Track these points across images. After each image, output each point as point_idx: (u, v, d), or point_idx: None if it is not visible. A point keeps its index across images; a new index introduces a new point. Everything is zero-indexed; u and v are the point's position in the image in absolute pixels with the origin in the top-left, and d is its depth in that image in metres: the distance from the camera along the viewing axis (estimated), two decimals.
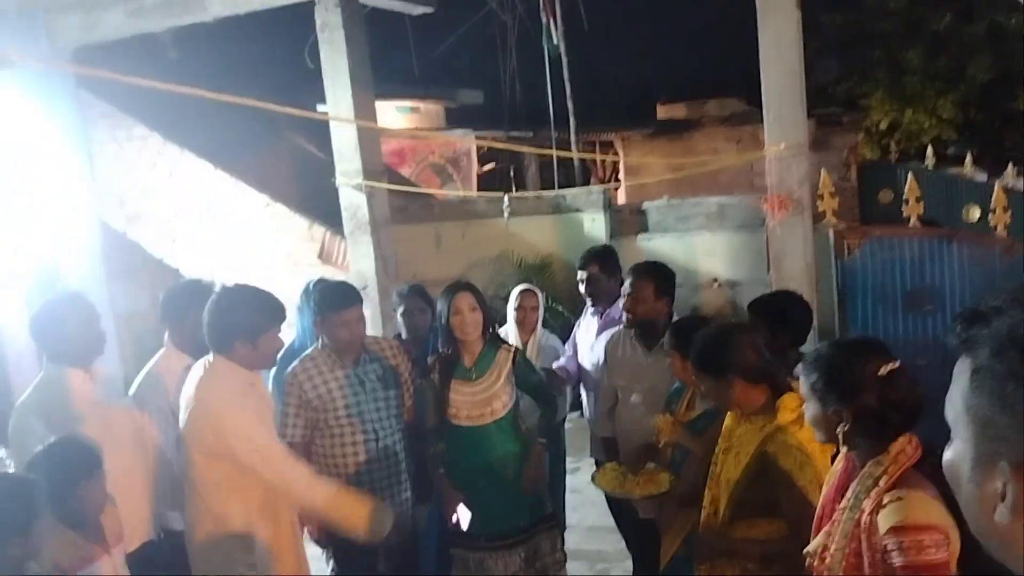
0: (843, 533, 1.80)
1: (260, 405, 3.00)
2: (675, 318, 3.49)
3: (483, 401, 3.39)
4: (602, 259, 4.05)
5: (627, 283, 3.52)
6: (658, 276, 3.52)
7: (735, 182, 11.90)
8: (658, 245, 8.36)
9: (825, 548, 1.86)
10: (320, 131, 10.07)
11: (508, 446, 3.44)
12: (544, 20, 11.03)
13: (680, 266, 8.19)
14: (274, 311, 2.97)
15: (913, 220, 2.57)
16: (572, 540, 4.30)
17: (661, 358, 3.22)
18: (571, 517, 4.59)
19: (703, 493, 2.53)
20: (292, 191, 8.68)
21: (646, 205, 8.52)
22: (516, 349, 3.56)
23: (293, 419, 3.38)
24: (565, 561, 3.62)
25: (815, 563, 1.89)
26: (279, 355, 3.22)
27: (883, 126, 13.46)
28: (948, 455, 0.87)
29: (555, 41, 11.10)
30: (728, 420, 2.53)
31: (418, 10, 7.53)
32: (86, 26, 7.03)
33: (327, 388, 3.40)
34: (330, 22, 6.64)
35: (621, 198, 12.37)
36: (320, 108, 9.48)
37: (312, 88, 7.77)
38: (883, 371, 1.82)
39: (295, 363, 3.49)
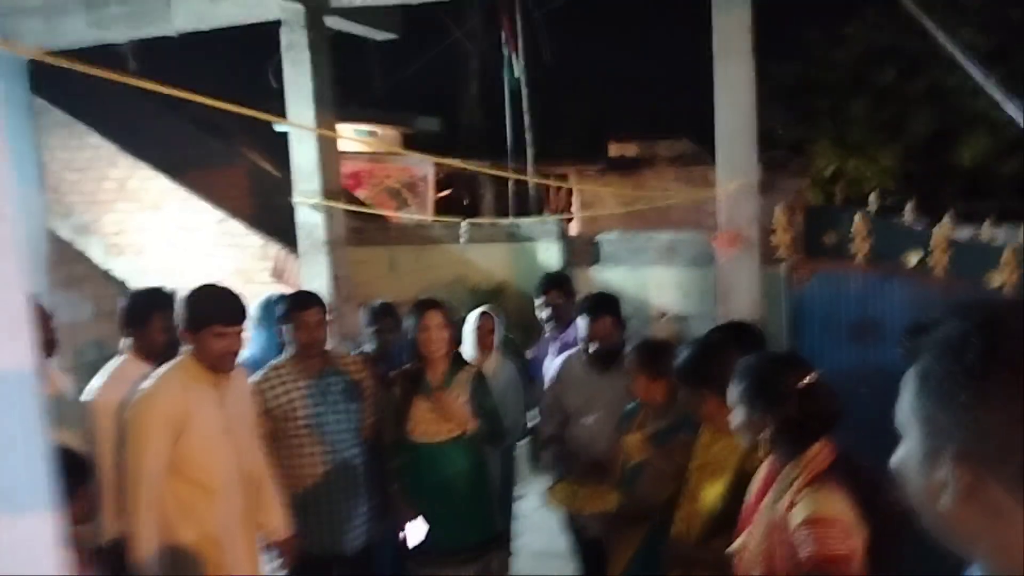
0: (761, 530, 1.93)
1: (224, 406, 2.99)
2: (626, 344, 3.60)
3: (442, 419, 3.45)
4: (561, 285, 4.16)
5: (585, 316, 3.62)
6: (613, 306, 3.66)
7: (685, 219, 12.15)
8: (611, 276, 8.49)
9: (745, 546, 1.97)
10: (277, 150, 10.05)
11: (463, 464, 3.49)
12: (506, 52, 11.23)
13: (632, 298, 8.38)
14: (223, 307, 2.98)
15: (859, 258, 2.72)
16: (519, 565, 4.34)
17: (615, 380, 3.32)
18: (518, 542, 4.63)
19: (654, 511, 2.61)
20: (247, 208, 8.63)
21: (600, 237, 8.67)
22: (478, 370, 3.62)
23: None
24: None
25: (738, 561, 2.00)
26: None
27: (827, 173, 13.96)
28: (898, 455, 0.95)
29: (516, 73, 11.31)
30: (705, 436, 2.61)
31: (382, 36, 7.63)
32: (47, 33, 6.96)
33: (288, 398, 3.44)
34: (295, 42, 6.69)
35: (574, 229, 12.54)
36: (279, 127, 9.47)
37: (273, 107, 7.78)
38: (803, 383, 1.96)
39: (259, 372, 3.52)
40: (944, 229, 2.89)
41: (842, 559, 1.80)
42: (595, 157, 16.35)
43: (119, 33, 7.17)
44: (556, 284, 4.20)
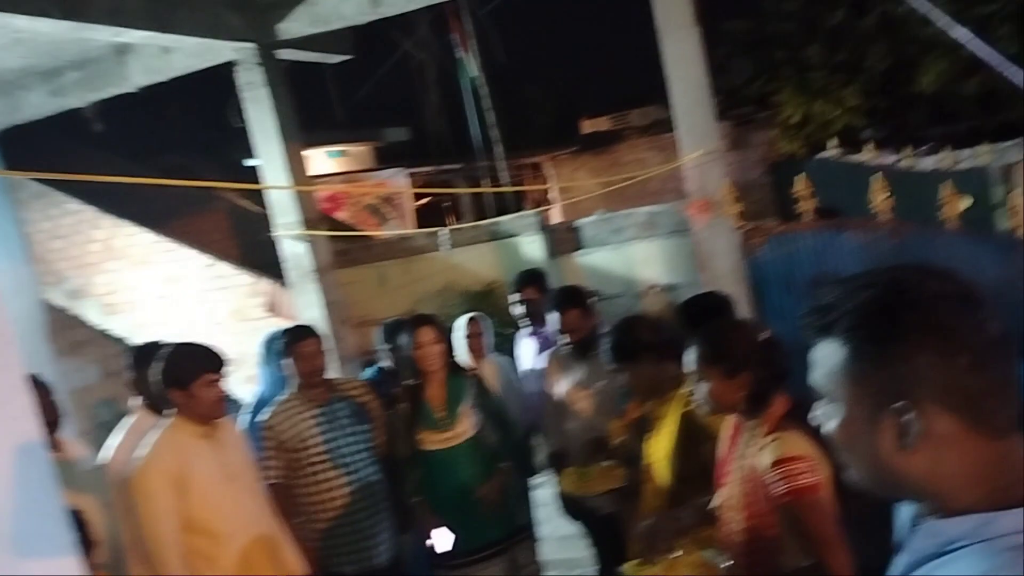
0: (737, 481, 2.09)
1: (220, 455, 3.12)
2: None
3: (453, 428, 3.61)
4: (536, 281, 4.24)
5: (554, 313, 3.71)
6: (577, 298, 3.74)
7: (665, 188, 12.29)
8: (595, 259, 8.63)
9: (726, 499, 2.13)
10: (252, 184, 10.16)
11: (477, 464, 3.64)
12: (459, 54, 11.34)
13: (619, 276, 8.53)
14: (204, 357, 3.09)
15: (806, 215, 2.84)
16: (546, 552, 4.48)
17: (597, 366, 3.45)
18: (543, 529, 4.76)
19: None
20: (233, 248, 8.75)
21: (579, 222, 8.81)
22: (477, 377, 3.75)
23: (272, 462, 3.52)
24: (540, 571, 3.81)
25: (721, 514, 2.16)
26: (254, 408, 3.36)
27: (795, 120, 14.08)
28: (834, 423, 1.03)
29: (472, 74, 11.43)
30: (643, 408, 2.76)
31: (336, 59, 7.74)
32: (8, 108, 7.07)
33: (300, 428, 3.56)
34: (252, 80, 6.79)
35: (557, 217, 12.67)
36: (248, 162, 9.59)
37: (240, 143, 7.89)
38: (762, 337, 2.13)
39: (269, 409, 3.66)
40: (879, 185, 3.02)
41: (811, 488, 1.99)
42: (568, 139, 16.47)
43: (78, 98, 7.27)
44: (530, 281, 4.27)
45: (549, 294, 4.16)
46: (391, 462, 3.81)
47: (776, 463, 2.03)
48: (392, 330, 4.45)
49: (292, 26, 6.66)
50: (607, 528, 3.59)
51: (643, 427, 3.10)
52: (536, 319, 4.22)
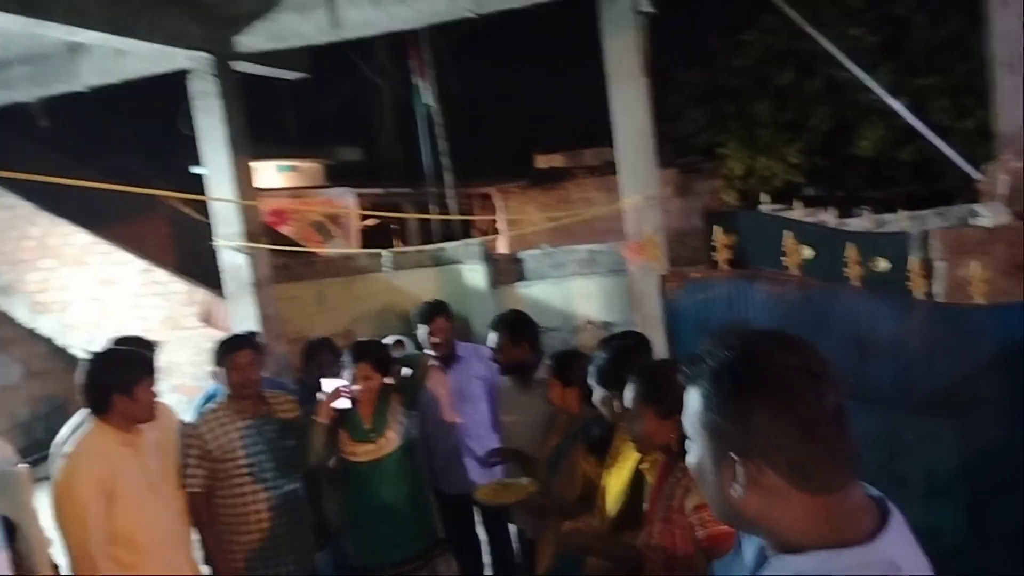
0: (662, 519, 2.18)
1: (142, 462, 3.13)
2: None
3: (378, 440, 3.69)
4: (443, 312, 4.35)
5: (491, 337, 3.85)
6: (512, 326, 3.86)
7: (609, 228, 12.50)
8: (536, 292, 8.78)
9: (651, 535, 2.22)
10: (196, 193, 10.10)
11: (401, 478, 3.71)
12: (416, 81, 11.49)
13: (557, 310, 8.68)
14: (145, 362, 3.15)
15: (722, 263, 3.00)
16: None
17: (533, 393, 3.59)
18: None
19: (567, 508, 2.86)
20: (171, 255, 8.68)
21: (522, 254, 8.96)
22: (401, 392, 3.84)
23: (194, 469, 3.52)
24: None
25: (646, 552, 2.25)
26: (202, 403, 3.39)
27: (738, 172, 14.54)
28: (691, 460, 1.17)
29: (427, 101, 11.59)
30: (617, 444, 2.83)
31: (292, 75, 7.80)
32: None
33: (228, 439, 3.57)
34: (205, 89, 6.81)
35: (501, 248, 12.83)
36: (195, 170, 9.54)
37: (187, 151, 7.87)
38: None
39: (198, 415, 3.67)
40: (790, 241, 3.21)
41: (729, 535, 2.00)
42: (519, 173, 16.69)
43: (26, 92, 7.20)
44: (438, 312, 4.36)
45: (454, 326, 4.29)
46: (313, 477, 3.85)
47: (698, 507, 2.09)
48: (315, 348, 4.51)
49: (250, 40, 6.72)
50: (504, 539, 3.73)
51: (560, 454, 3.22)
52: (442, 349, 4.29)
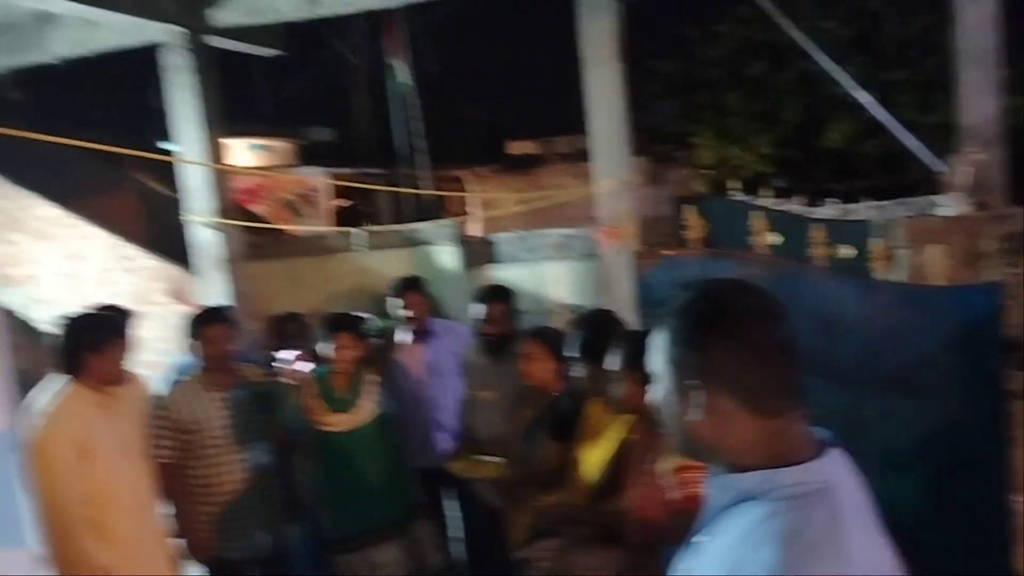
0: (644, 483, 2.26)
1: (116, 425, 3.15)
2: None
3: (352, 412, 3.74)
4: (417, 286, 4.41)
5: (479, 306, 3.94)
6: (501, 297, 4.04)
7: (581, 215, 12.56)
8: (508, 275, 8.79)
9: (631, 499, 2.30)
10: (167, 170, 9.99)
11: (376, 448, 3.77)
12: (391, 61, 11.45)
13: (529, 293, 8.72)
14: (117, 325, 3.26)
15: (693, 243, 3.07)
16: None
17: (507, 364, 3.66)
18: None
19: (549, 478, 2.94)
20: (141, 231, 8.59)
21: (495, 237, 8.99)
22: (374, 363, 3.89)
23: (163, 440, 3.53)
24: (441, 549, 3.94)
25: (628, 515, 2.33)
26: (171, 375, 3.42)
27: (710, 162, 14.69)
28: (660, 395, 1.29)
29: (402, 81, 11.55)
30: (594, 415, 2.89)
31: (266, 52, 7.74)
32: None
33: (198, 410, 3.61)
34: (178, 64, 6.75)
35: (474, 231, 12.86)
36: (165, 146, 9.43)
37: (155, 126, 7.79)
38: None
39: (169, 387, 3.69)
40: (759, 223, 3.31)
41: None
42: (491, 158, 16.70)
43: None
44: (411, 286, 4.40)
45: (429, 302, 4.34)
46: (284, 450, 3.88)
47: (676, 469, 2.18)
48: (282, 321, 4.57)
49: (225, 15, 6.67)
50: (485, 519, 3.81)
51: (533, 430, 3.29)
52: (416, 323, 4.34)
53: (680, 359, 1.23)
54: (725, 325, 1.20)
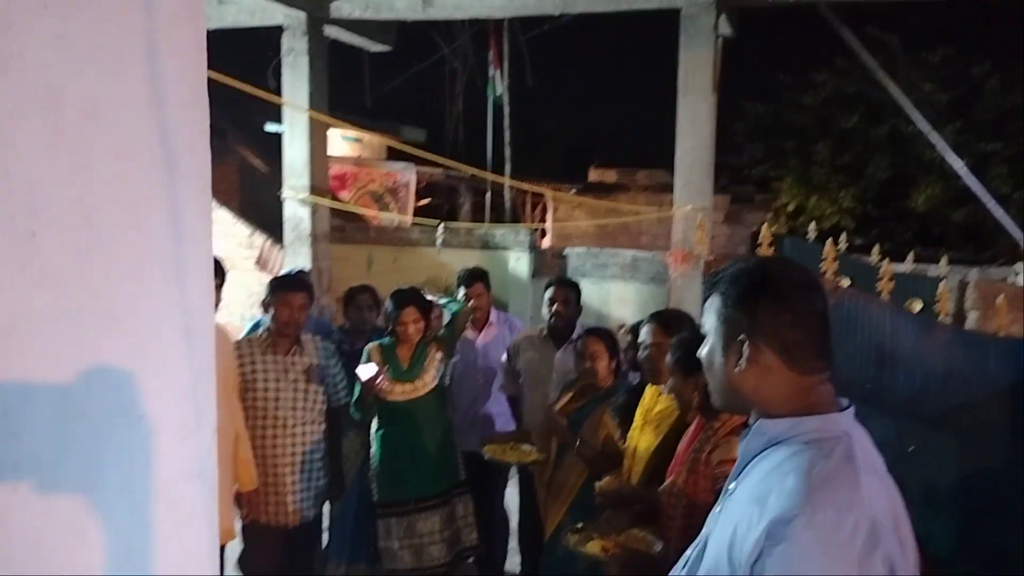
0: (688, 469, 2.43)
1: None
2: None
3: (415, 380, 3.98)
4: (481, 278, 4.63)
5: (553, 293, 4.19)
6: (576, 289, 4.35)
7: (654, 244, 12.76)
8: None
9: (674, 483, 2.47)
10: (266, 147, 10.49)
11: (431, 420, 4.00)
12: (491, 71, 11.81)
13: (594, 310, 8.91)
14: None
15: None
16: None
17: (567, 354, 3.89)
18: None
19: (587, 462, 3.13)
20: (235, 201, 9.07)
21: (567, 251, 9.20)
22: (441, 340, 4.12)
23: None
24: (474, 524, 4.10)
25: (666, 499, 2.50)
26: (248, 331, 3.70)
27: (790, 208, 14.66)
28: (704, 351, 1.49)
29: (499, 92, 11.90)
30: (648, 400, 3.09)
31: (376, 47, 8.15)
32: None
33: (252, 369, 3.73)
34: (296, 47, 7.18)
35: (546, 243, 13.10)
36: (269, 127, 9.91)
37: (261, 106, 8.23)
38: None
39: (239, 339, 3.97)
40: (829, 264, 3.48)
41: None
42: (573, 180, 16.95)
43: None
44: (477, 278, 4.60)
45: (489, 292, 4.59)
46: (334, 425, 3.99)
47: (723, 462, 2.33)
48: (357, 291, 4.75)
49: (345, 6, 7.07)
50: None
51: (585, 415, 3.50)
52: (481, 312, 4.56)
53: (732, 317, 1.41)
54: (774, 290, 1.39)
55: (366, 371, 3.84)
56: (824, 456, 1.30)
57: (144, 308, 1.02)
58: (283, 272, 4.27)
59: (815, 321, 1.39)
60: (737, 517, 1.34)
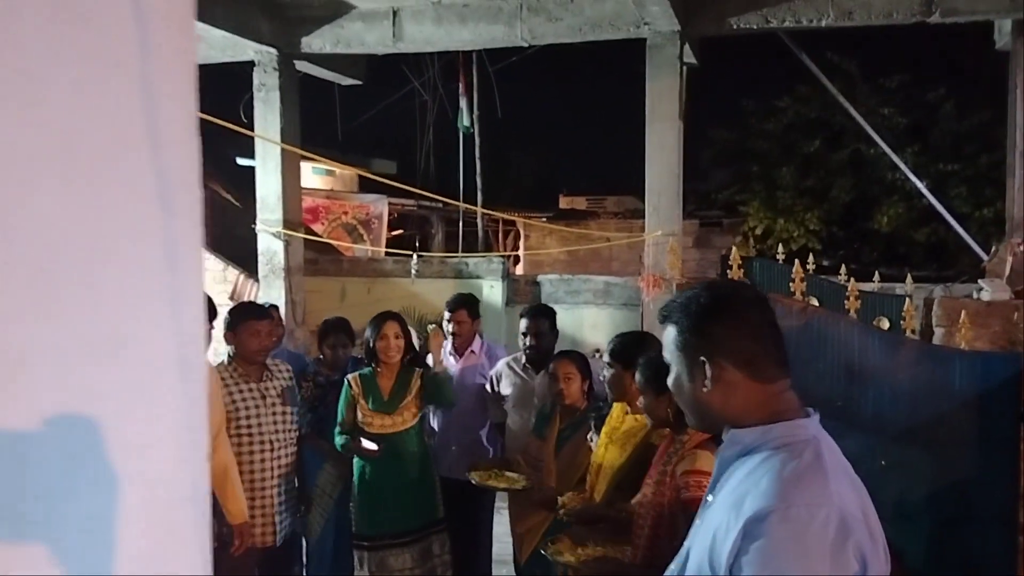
0: (656, 481, 2.49)
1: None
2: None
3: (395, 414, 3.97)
4: (467, 305, 4.66)
5: (527, 326, 4.21)
6: (551, 315, 4.37)
7: (625, 270, 12.90)
8: None
9: (645, 495, 2.53)
10: (238, 181, 10.50)
11: (409, 456, 3.99)
12: (461, 102, 11.96)
13: (568, 336, 8.96)
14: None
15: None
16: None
17: (540, 380, 3.93)
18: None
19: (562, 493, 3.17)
20: (208, 235, 9.03)
21: (540, 278, 9.28)
22: (425, 371, 4.12)
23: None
24: (451, 563, 4.11)
25: (638, 510, 2.55)
26: None
27: (758, 231, 14.88)
28: (671, 379, 1.56)
29: (468, 123, 12.04)
30: (615, 418, 3.14)
31: (347, 81, 8.23)
32: None
33: (230, 399, 3.75)
34: (267, 83, 7.24)
35: (520, 270, 13.19)
36: (241, 161, 9.93)
37: (234, 140, 8.26)
38: None
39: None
40: (798, 284, 3.57)
41: None
42: (544, 208, 17.12)
43: None
44: (463, 304, 4.63)
45: (478, 322, 4.65)
46: (312, 445, 4.09)
47: (686, 473, 2.41)
48: (332, 327, 4.74)
49: (315, 41, 7.15)
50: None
51: (565, 439, 3.54)
52: (460, 339, 4.59)
53: (690, 343, 1.48)
54: (725, 310, 1.47)
55: (369, 445, 3.90)
56: (794, 458, 1.37)
57: (140, 339, 1.06)
58: (240, 302, 4.27)
59: (768, 331, 1.47)
60: (716, 524, 1.39)
